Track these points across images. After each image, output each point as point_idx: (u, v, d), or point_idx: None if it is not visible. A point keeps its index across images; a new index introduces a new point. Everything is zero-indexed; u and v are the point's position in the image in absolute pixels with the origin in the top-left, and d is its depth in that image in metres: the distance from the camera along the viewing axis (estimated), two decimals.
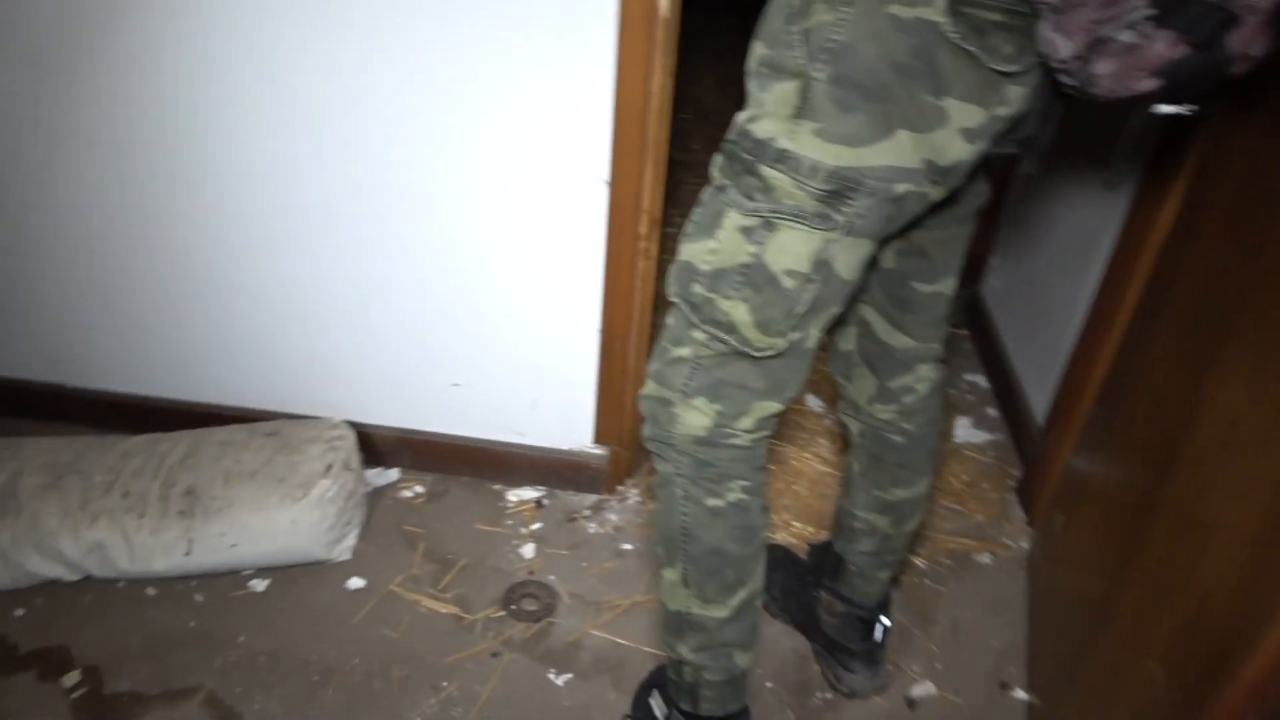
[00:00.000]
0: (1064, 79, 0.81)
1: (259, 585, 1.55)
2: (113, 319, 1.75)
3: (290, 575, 1.57)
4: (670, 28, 1.39)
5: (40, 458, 1.60)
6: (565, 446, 1.75)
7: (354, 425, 1.73)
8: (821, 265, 0.88)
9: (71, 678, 1.38)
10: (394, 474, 1.80)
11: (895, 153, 0.83)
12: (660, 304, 1.73)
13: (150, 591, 1.53)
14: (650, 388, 1.01)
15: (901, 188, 0.86)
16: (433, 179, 1.50)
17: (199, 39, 1.43)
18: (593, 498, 1.77)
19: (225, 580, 1.55)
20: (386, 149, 1.49)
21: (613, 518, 1.73)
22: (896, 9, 0.78)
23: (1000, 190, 2.23)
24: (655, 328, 1.72)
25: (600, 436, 1.73)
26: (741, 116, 0.89)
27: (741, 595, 1.07)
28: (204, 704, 1.35)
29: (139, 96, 1.49)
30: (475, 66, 1.40)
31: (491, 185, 1.50)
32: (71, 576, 1.52)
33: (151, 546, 1.49)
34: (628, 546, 1.67)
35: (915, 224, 1.02)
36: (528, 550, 1.64)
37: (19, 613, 1.48)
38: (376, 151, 1.49)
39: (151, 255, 1.66)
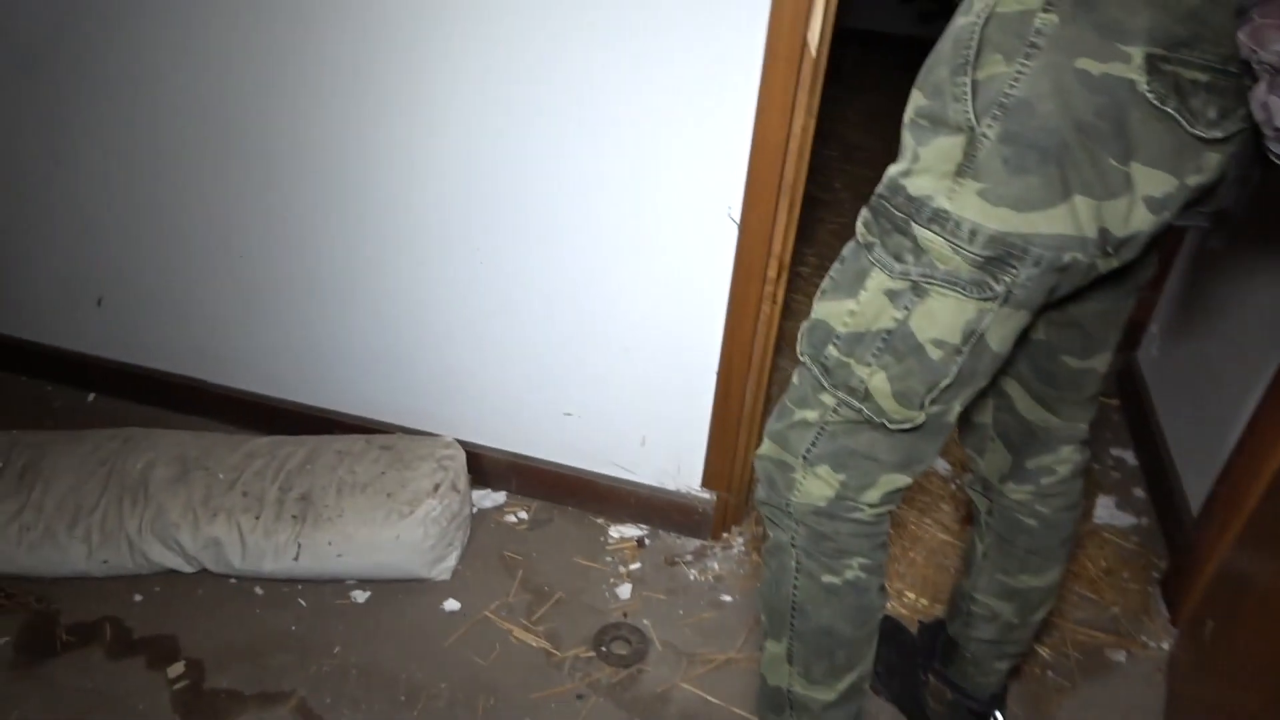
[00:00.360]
0: (1277, 148, 0.71)
1: (360, 596, 1.56)
2: (252, 321, 1.82)
3: (390, 590, 1.58)
4: (817, 67, 1.34)
5: (173, 450, 1.67)
6: (672, 487, 1.70)
7: (465, 445, 1.74)
8: (972, 337, 0.81)
9: (176, 669, 1.42)
10: (500, 497, 1.79)
11: (1068, 220, 0.76)
12: (782, 349, 1.67)
13: (258, 591, 1.56)
14: (769, 448, 0.95)
15: (1069, 257, 0.78)
16: (563, 208, 1.50)
17: (359, 60, 1.47)
18: (695, 542, 1.71)
19: (329, 588, 1.57)
20: (521, 177, 1.49)
21: (714, 566, 1.67)
22: (1085, 64, 0.71)
23: (1168, 253, 2.06)
24: (775, 373, 1.66)
25: (709, 481, 1.67)
26: (894, 169, 0.83)
27: (850, 679, 1.00)
28: (295, 710, 1.36)
29: (296, 110, 1.55)
30: (612, 97, 1.38)
31: (620, 217, 1.48)
32: (188, 568, 1.57)
33: (263, 548, 1.52)
34: (727, 598, 1.60)
35: (1074, 295, 0.93)
36: (624, 590, 1.60)
37: (138, 598, 1.54)
38: (511, 179, 1.49)
39: (292, 263, 1.71)
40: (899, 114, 0.84)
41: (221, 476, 1.61)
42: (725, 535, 1.73)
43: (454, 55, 1.42)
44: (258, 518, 1.54)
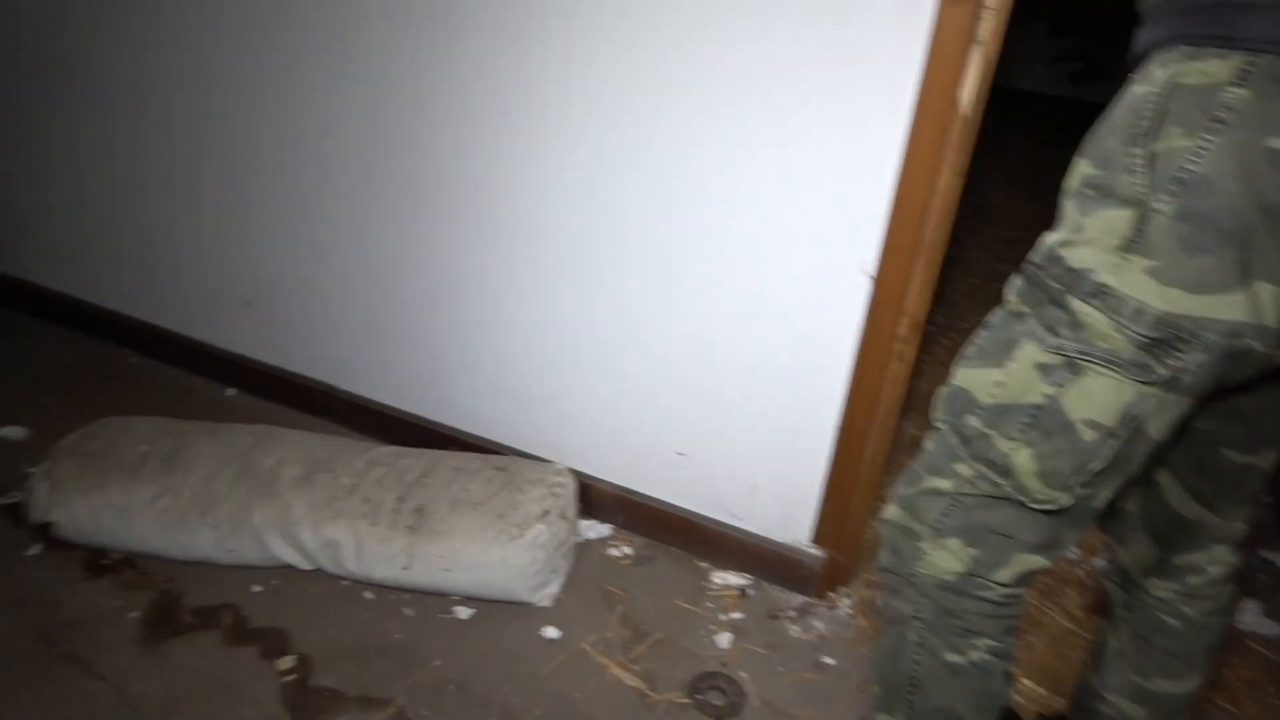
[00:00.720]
0: None
1: (463, 613, 1.59)
2: (384, 335, 1.89)
3: (492, 610, 1.60)
4: (968, 127, 1.31)
5: (302, 451, 1.74)
6: (780, 539, 1.67)
7: (577, 474, 1.75)
8: (1130, 420, 0.76)
9: (285, 662, 1.48)
10: (606, 530, 1.80)
11: (1247, 306, 0.71)
12: (908, 410, 1.62)
13: (368, 595, 1.61)
14: (895, 513, 0.92)
15: (1244, 345, 0.73)
16: (690, 248, 1.50)
17: (507, 96, 1.52)
18: (800, 599, 1.67)
19: (434, 600, 1.61)
20: (650, 216, 1.50)
21: (818, 625, 1.62)
22: (1278, 143, 0.67)
23: None
24: (898, 434, 1.62)
25: (819, 538, 1.63)
26: (1052, 238, 0.80)
27: None
28: (393, 718, 1.39)
29: (444, 140, 1.62)
30: (748, 141, 1.39)
31: (748, 262, 1.47)
32: (305, 566, 1.63)
33: (377, 554, 1.57)
34: (830, 660, 1.55)
35: (1244, 385, 0.87)
36: (723, 639, 1.57)
37: (256, 589, 1.61)
38: (640, 217, 1.51)
39: (427, 285, 1.78)
40: (1040, 174, 0.82)
41: (345, 481, 1.67)
42: (831, 595, 1.68)
43: (594, 92, 1.45)
44: (375, 524, 1.59)
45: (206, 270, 2.06)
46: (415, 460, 1.74)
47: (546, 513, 1.60)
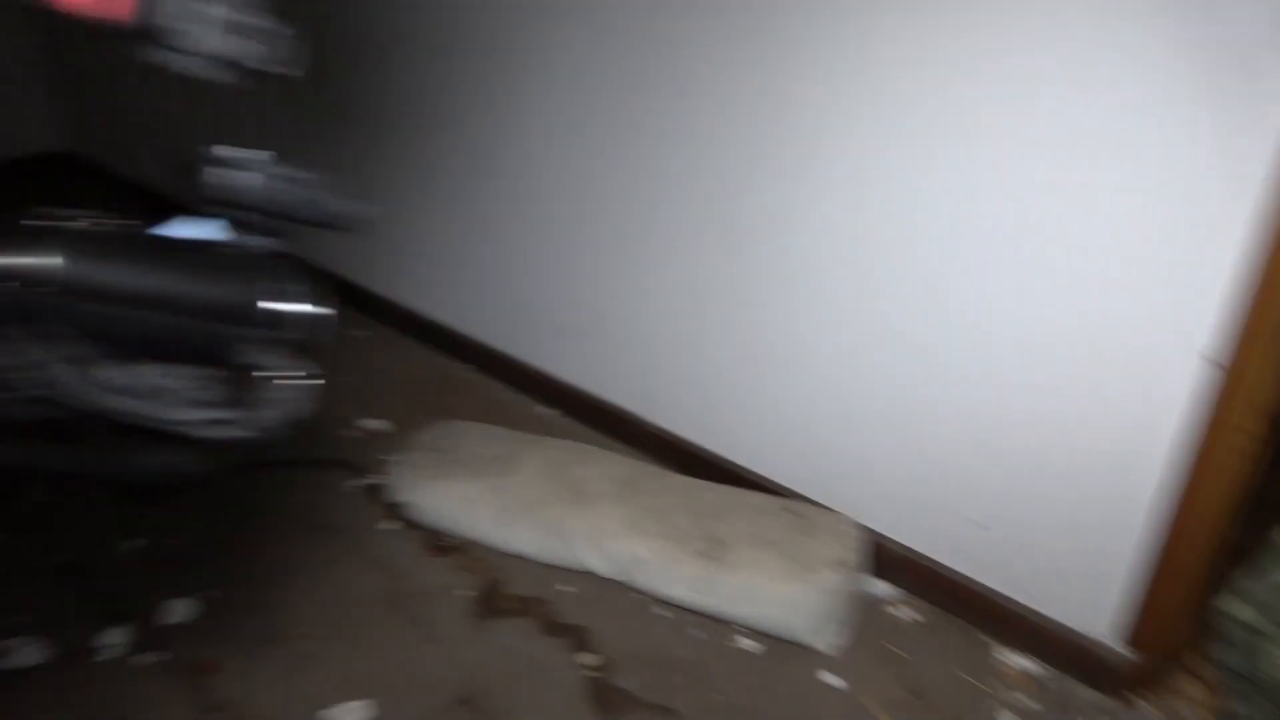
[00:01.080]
0: None
1: (747, 643, 1.67)
2: (691, 372, 2.04)
3: (776, 646, 1.66)
4: None
5: (612, 470, 1.93)
6: (1077, 628, 1.60)
7: (866, 529, 1.79)
8: None
9: (588, 658, 1.63)
10: (891, 589, 1.81)
11: None
12: (1247, 507, 1.49)
13: (660, 611, 1.74)
14: (1242, 611, 0.89)
15: None
16: (1006, 313, 1.51)
17: (837, 153, 1.63)
18: (1094, 694, 1.59)
19: (721, 628, 1.70)
20: (963, 278, 1.54)
21: None
22: None
23: None
24: (1230, 531, 1.50)
25: (1128, 634, 1.54)
26: None
27: None
28: None
29: (764, 194, 1.75)
30: (1079, 209, 1.39)
31: (1068, 332, 1.46)
32: (606, 574, 1.79)
33: (675, 575, 1.70)
34: None
35: None
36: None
37: (563, 588, 1.79)
38: (953, 278, 1.55)
39: (740, 330, 1.90)
40: None
41: (650, 502, 1.82)
42: (1131, 695, 1.57)
43: (921, 148, 1.51)
44: (676, 547, 1.72)
45: (532, 300, 2.31)
46: (713, 493, 1.86)
47: (836, 561, 1.66)
